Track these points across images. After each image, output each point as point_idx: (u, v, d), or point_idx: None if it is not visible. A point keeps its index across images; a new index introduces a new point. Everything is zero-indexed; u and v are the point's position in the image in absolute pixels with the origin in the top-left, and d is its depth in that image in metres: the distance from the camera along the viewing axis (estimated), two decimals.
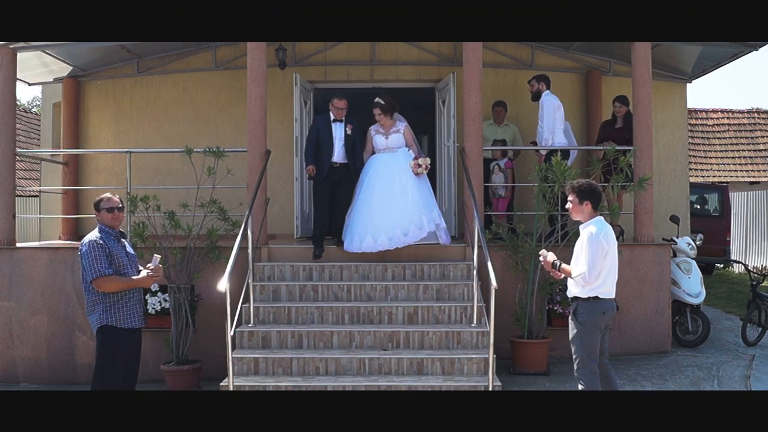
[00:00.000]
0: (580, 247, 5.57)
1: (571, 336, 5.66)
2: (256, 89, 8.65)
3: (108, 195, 5.69)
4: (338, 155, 8.70)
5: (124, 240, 5.73)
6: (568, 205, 5.74)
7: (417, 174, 8.55)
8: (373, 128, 8.92)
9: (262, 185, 8.41)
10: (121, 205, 5.71)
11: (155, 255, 5.66)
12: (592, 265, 5.45)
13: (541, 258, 5.80)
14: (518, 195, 10.19)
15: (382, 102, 8.73)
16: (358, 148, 8.83)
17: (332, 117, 8.76)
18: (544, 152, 9.12)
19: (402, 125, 8.86)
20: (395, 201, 8.40)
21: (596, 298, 5.54)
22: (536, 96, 9.34)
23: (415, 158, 8.61)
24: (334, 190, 8.73)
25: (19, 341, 8.63)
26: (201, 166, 8.14)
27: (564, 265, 5.70)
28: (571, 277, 5.63)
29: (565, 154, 8.98)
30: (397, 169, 8.59)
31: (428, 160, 8.60)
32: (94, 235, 5.53)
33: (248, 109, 8.70)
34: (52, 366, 8.61)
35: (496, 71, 11.06)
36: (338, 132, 8.73)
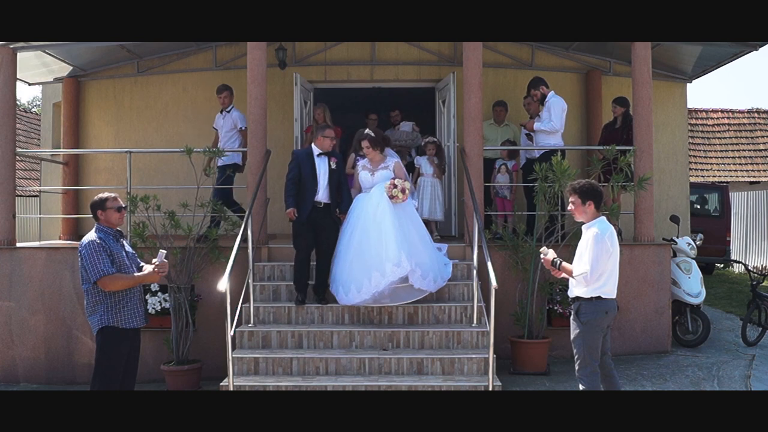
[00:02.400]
0: (584, 247, 5.55)
1: (572, 336, 5.65)
2: (256, 89, 8.64)
3: (113, 194, 5.65)
4: (322, 194, 7.75)
5: (122, 239, 5.72)
6: (570, 207, 5.72)
7: (392, 199, 7.63)
8: (360, 163, 8.18)
9: (262, 185, 8.40)
10: (124, 205, 5.73)
11: (161, 250, 5.64)
12: (594, 265, 5.43)
13: (541, 255, 5.79)
14: (518, 195, 10.18)
15: (372, 134, 8.01)
16: (344, 184, 8.00)
17: (316, 151, 7.82)
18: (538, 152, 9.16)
19: (392, 161, 8.04)
20: (371, 243, 7.53)
21: (599, 298, 5.52)
22: (543, 99, 9.27)
23: (392, 179, 7.75)
24: (317, 233, 7.78)
25: (19, 341, 8.63)
26: (201, 166, 8.14)
27: (564, 264, 5.69)
28: (572, 276, 5.62)
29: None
30: (372, 204, 7.71)
31: (408, 184, 7.74)
32: (92, 235, 5.49)
33: (248, 109, 8.70)
34: (51, 366, 8.61)
35: (496, 71, 11.06)
36: (322, 167, 7.78)
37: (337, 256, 7.76)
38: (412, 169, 9.75)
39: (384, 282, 7.34)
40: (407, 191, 7.66)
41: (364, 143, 7.98)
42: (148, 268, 5.59)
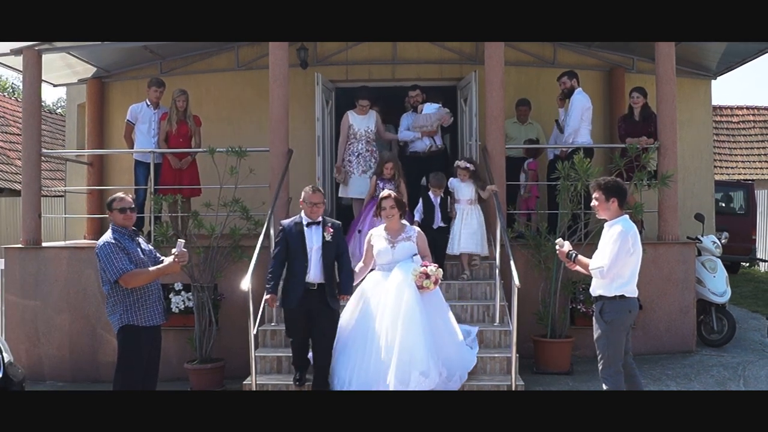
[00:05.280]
0: (605, 243, 5.53)
1: (596, 336, 5.62)
2: (278, 89, 8.67)
3: (121, 195, 5.72)
4: (315, 273, 6.40)
5: (138, 238, 5.78)
6: (594, 203, 5.70)
7: (422, 289, 6.40)
8: (374, 231, 6.82)
9: (284, 185, 8.42)
10: (133, 206, 5.75)
11: (179, 240, 5.72)
12: (614, 261, 5.41)
13: (557, 246, 5.79)
14: (541, 193, 10.12)
15: (393, 194, 6.79)
16: (345, 258, 6.64)
17: (305, 219, 6.52)
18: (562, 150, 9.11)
19: (414, 231, 6.79)
20: (394, 341, 6.27)
21: (622, 296, 5.49)
22: (569, 93, 9.23)
23: (423, 266, 6.46)
24: (309, 320, 6.47)
25: (45, 339, 8.74)
26: (224, 166, 8.18)
27: (580, 257, 5.69)
28: (587, 271, 5.61)
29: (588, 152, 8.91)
30: (393, 293, 6.43)
31: (440, 272, 6.50)
32: (107, 236, 5.56)
33: (270, 109, 8.73)
34: (75, 364, 8.71)
35: (518, 69, 10.98)
36: (314, 239, 6.45)
37: (345, 350, 6.59)
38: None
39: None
40: (439, 280, 6.52)
41: (387, 203, 6.71)
42: (168, 260, 5.65)
